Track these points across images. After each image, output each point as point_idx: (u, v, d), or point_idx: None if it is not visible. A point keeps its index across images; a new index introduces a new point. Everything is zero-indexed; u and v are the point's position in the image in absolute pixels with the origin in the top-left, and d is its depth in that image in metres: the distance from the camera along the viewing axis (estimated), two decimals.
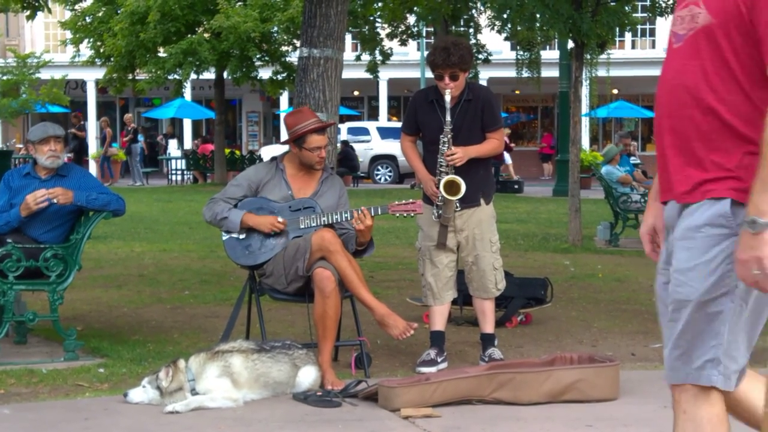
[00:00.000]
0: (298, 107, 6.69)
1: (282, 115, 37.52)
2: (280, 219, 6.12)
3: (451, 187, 6.16)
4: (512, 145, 32.11)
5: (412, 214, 6.21)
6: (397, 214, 6.19)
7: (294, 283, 6.02)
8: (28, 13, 12.03)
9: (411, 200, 6.22)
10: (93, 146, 34.23)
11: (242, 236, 6.18)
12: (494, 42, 29.04)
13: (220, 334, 6.24)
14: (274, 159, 6.42)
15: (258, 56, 27.42)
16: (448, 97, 6.21)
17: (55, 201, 6.45)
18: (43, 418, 5.05)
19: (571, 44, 15.80)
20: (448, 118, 6.21)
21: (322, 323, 5.82)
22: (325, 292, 5.80)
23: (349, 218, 6.11)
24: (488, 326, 6.44)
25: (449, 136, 6.21)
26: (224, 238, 6.25)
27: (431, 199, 6.33)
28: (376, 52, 27.00)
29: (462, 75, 6.26)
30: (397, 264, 11.18)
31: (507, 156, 29.92)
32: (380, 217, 6.10)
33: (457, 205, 6.25)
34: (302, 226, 6.13)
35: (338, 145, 25.23)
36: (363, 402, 5.34)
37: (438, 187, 6.21)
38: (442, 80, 6.24)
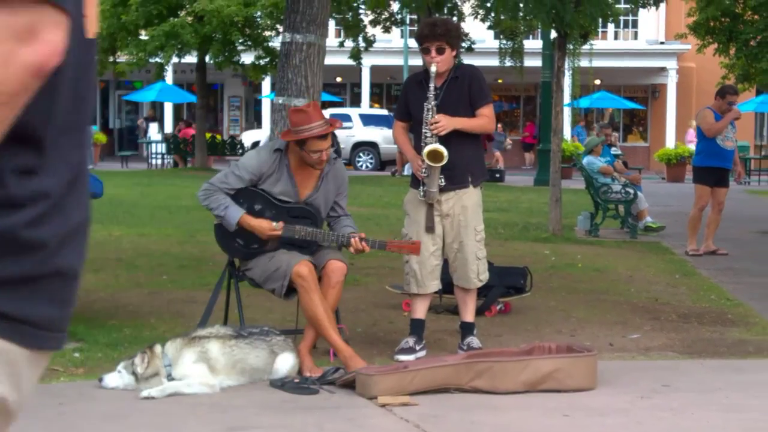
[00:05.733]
0: (306, 104, 6.53)
1: (264, 100, 37.44)
2: (275, 224, 5.98)
3: (435, 156, 6.13)
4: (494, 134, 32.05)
5: (408, 254, 6.22)
6: (394, 251, 6.20)
7: (270, 286, 5.99)
8: None
9: (410, 240, 6.19)
10: None
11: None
12: (477, 31, 28.99)
13: (198, 320, 6.20)
14: (278, 150, 6.14)
15: (241, 41, 27.30)
16: (434, 68, 6.18)
17: None
18: None
19: (554, 34, 15.79)
20: (432, 84, 6.19)
21: (327, 312, 5.74)
22: (332, 282, 5.80)
23: (345, 244, 6.00)
24: (469, 315, 6.43)
25: (432, 103, 6.17)
26: (216, 222, 6.16)
27: (417, 178, 6.29)
28: (360, 38, 26.90)
29: (448, 50, 6.24)
30: (377, 251, 11.12)
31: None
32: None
33: (442, 179, 6.20)
34: (296, 237, 6.00)
35: None
36: (340, 389, 5.33)
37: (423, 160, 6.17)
38: (429, 54, 6.22)
